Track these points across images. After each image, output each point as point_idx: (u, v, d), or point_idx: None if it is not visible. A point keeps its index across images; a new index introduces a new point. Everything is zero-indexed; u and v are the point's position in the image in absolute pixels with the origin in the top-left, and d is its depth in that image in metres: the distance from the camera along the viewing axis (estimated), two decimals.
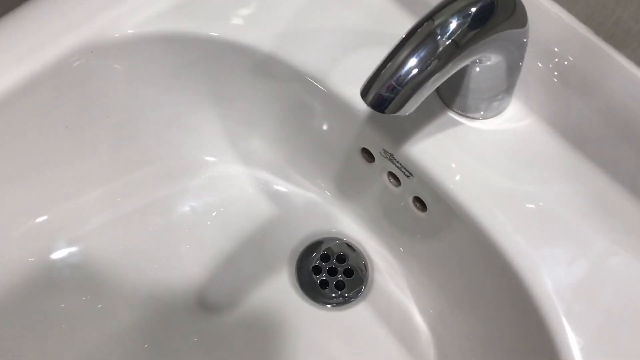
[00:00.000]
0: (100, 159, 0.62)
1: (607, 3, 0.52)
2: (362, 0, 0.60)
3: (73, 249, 0.62)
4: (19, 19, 0.56)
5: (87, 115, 0.59)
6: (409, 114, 0.52)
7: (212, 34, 0.57)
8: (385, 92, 0.41)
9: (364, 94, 0.42)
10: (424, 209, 0.56)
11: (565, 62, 0.55)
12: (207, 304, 0.61)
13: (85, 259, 0.62)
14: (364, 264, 0.63)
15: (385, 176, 0.58)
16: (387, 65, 0.41)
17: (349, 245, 0.64)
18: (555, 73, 0.55)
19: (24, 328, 0.58)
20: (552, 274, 0.47)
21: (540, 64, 0.56)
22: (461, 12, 0.42)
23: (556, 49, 0.56)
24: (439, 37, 0.41)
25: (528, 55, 0.54)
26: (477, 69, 0.49)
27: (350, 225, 0.65)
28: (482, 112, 0.53)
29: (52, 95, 0.56)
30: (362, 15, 0.59)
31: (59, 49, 0.55)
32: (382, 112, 0.42)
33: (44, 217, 0.61)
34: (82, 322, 0.59)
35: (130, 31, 0.56)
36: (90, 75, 0.57)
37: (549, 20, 0.56)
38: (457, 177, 0.51)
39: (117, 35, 0.56)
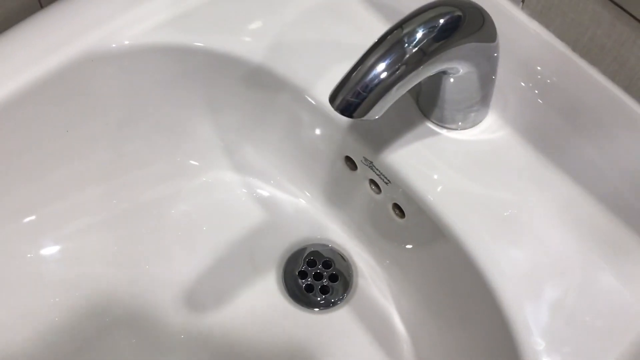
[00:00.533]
0: (96, 161, 0.64)
1: (582, 20, 0.54)
2: (353, 16, 0.62)
3: (66, 247, 0.63)
4: (28, 27, 0.60)
5: (87, 120, 0.62)
6: (392, 125, 0.55)
7: (204, 45, 0.60)
8: (351, 98, 0.42)
9: (332, 99, 0.43)
10: (403, 216, 0.58)
11: (547, 80, 0.57)
12: (195, 304, 0.62)
13: (78, 256, 0.63)
14: (349, 270, 0.64)
15: (367, 184, 0.59)
16: (355, 72, 0.43)
17: (335, 251, 0.65)
18: (536, 92, 0.57)
19: (16, 323, 0.60)
20: (521, 282, 0.48)
21: (517, 78, 0.57)
22: (429, 23, 0.43)
23: (539, 67, 0.57)
24: (406, 45, 0.43)
25: (506, 70, 0.56)
26: (451, 80, 0.50)
27: (336, 232, 0.66)
28: (459, 123, 0.55)
29: (53, 101, 0.59)
30: (352, 29, 0.61)
31: (62, 57, 0.58)
32: (350, 116, 0.43)
33: (39, 216, 0.62)
34: (74, 316, 0.61)
35: (126, 42, 0.59)
36: (90, 83, 0.60)
37: (527, 37, 0.58)
38: (434, 185, 0.53)
39: (114, 45, 0.58)
